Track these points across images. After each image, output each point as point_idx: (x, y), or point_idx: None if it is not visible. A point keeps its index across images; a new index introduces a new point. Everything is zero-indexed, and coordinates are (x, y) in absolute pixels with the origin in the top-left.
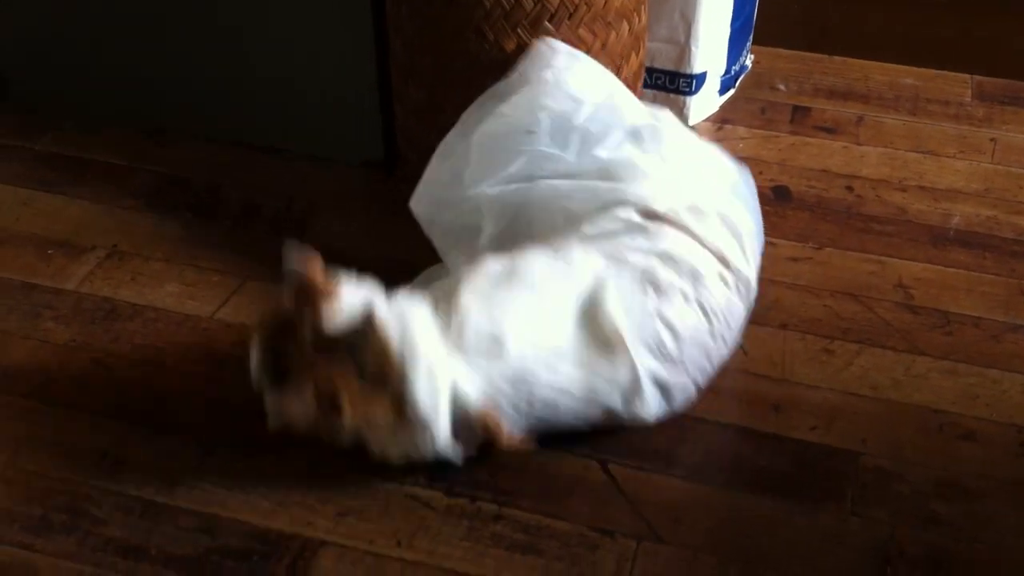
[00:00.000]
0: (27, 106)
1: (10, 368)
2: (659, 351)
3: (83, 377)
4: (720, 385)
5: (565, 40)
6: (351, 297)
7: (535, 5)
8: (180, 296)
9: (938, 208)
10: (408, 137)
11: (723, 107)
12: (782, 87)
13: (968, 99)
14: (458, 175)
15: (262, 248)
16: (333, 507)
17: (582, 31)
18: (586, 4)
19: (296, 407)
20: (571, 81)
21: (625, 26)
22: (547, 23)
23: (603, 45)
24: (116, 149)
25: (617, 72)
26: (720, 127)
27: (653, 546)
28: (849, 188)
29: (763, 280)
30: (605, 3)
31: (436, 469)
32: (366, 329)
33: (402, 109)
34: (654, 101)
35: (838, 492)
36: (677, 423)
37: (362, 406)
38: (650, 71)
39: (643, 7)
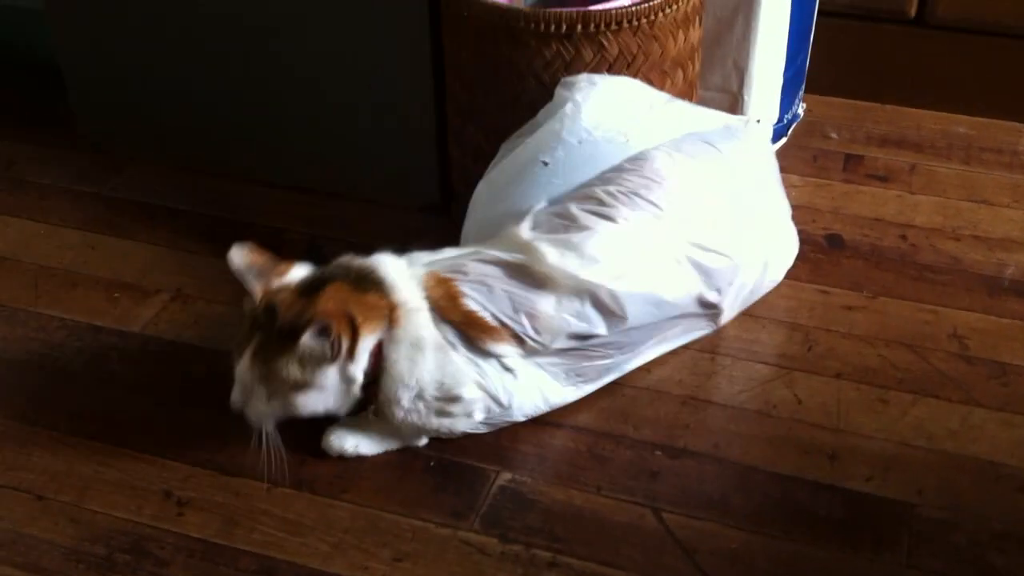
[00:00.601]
0: (95, 148)
1: (78, 409)
2: None
3: (148, 419)
4: (774, 434)
5: None
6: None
7: (594, 56)
8: None
9: (993, 258)
10: (465, 178)
11: (776, 155)
12: (834, 135)
13: (1022, 147)
14: (494, 209)
15: None
16: (389, 551)
17: (639, 80)
18: (643, 54)
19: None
20: (587, 114)
21: (680, 74)
22: (605, 72)
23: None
24: (182, 193)
25: None
26: None
27: None
28: (903, 237)
29: (817, 329)
30: (662, 53)
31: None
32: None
33: (459, 151)
34: None
35: (894, 542)
36: (733, 471)
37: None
38: None
39: (696, 56)
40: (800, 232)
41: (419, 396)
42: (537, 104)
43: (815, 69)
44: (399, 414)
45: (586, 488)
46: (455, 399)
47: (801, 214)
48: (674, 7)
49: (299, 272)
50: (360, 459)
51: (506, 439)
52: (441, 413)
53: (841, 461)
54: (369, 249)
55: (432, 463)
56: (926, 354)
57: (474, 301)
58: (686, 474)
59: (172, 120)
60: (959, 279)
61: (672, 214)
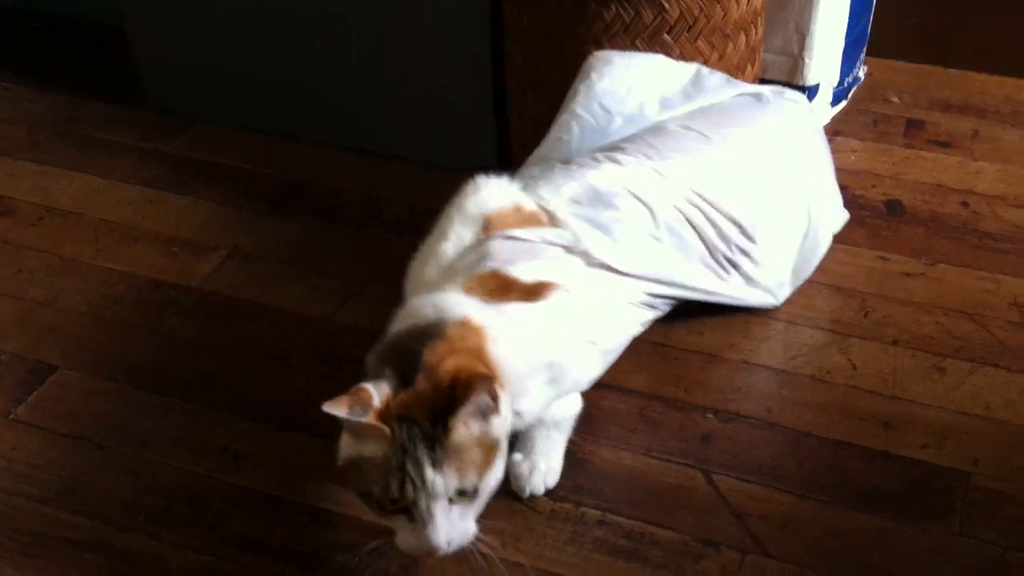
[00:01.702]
0: (161, 110)
1: (137, 363)
2: None
3: (207, 374)
4: (828, 400)
5: (683, 53)
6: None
7: (654, 18)
8: (302, 298)
9: None
10: (524, 145)
11: (835, 119)
12: (895, 100)
13: None
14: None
15: (382, 252)
16: None
17: (700, 43)
18: (705, 16)
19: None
20: (601, 91)
21: (742, 38)
22: (666, 35)
23: (720, 56)
24: (243, 153)
25: None
26: (832, 138)
27: (759, 559)
28: (964, 204)
29: (874, 295)
30: (724, 15)
31: None
32: None
33: (519, 119)
34: None
35: (947, 511)
36: (785, 437)
37: None
38: (763, 82)
39: (759, 19)
40: (859, 198)
41: (548, 382)
42: None
43: (878, 32)
44: (541, 410)
45: (636, 450)
46: (563, 368)
47: (860, 179)
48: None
49: (380, 388)
50: None
51: None
52: (564, 381)
53: (895, 429)
54: (427, 212)
55: None
56: (985, 323)
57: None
58: (737, 438)
59: (235, 83)
60: (1021, 248)
61: (678, 172)
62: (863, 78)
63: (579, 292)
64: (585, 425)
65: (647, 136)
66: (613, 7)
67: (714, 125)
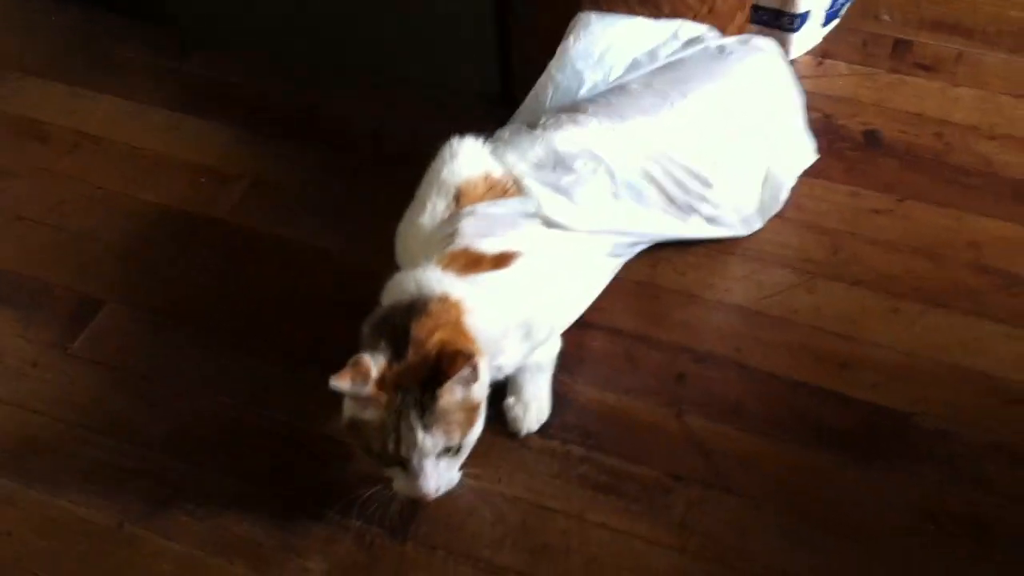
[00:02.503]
0: (172, 21)
1: (174, 298)
2: None
3: (237, 309)
4: (793, 340)
5: (674, 7)
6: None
7: None
8: (318, 232)
9: (1023, 160)
10: (528, 64)
11: (826, 38)
12: (886, 17)
13: None
14: None
15: (390, 181)
16: None
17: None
18: None
19: None
20: (576, 54)
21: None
22: None
23: (710, 10)
24: (255, 76)
25: (723, 30)
26: (821, 62)
27: (720, 495)
28: (939, 135)
29: (844, 233)
30: None
31: None
32: None
33: (520, 36)
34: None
35: (893, 450)
36: (750, 377)
37: None
38: (755, 8)
39: None
40: (840, 128)
41: (522, 338)
42: None
43: None
44: (520, 362)
45: (618, 389)
46: (535, 324)
47: (844, 107)
48: None
49: (377, 360)
50: None
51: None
52: (537, 335)
53: (851, 369)
54: (433, 139)
55: None
56: (943, 262)
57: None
58: (709, 378)
59: (247, 5)
60: (988, 183)
61: (637, 130)
62: None
63: (543, 254)
64: (576, 364)
65: (609, 96)
66: None
67: (674, 82)
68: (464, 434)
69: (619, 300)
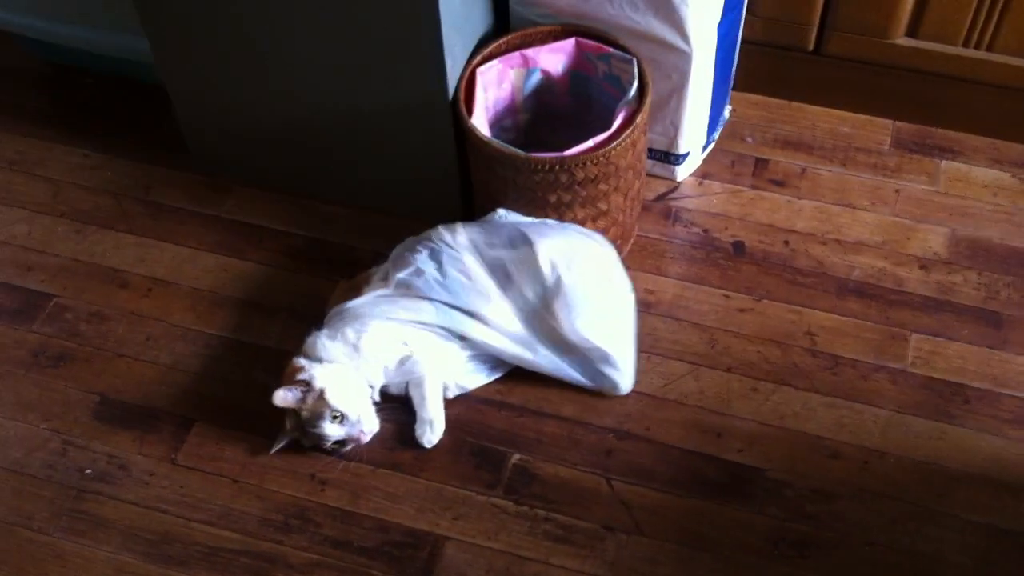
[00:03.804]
0: (207, 172)
1: (245, 413)
2: None
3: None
4: (685, 418)
5: (588, 194)
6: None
7: (568, 177)
8: None
9: (845, 260)
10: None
11: (705, 160)
12: (749, 139)
13: (887, 147)
14: None
15: None
16: (451, 512)
17: (602, 186)
18: (603, 174)
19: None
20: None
21: (636, 183)
22: (576, 186)
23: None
24: (279, 215)
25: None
26: (701, 182)
27: (638, 538)
28: (786, 242)
29: (719, 329)
30: (617, 167)
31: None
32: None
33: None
34: (652, 168)
35: (751, 497)
36: (656, 448)
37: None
38: (650, 150)
39: (642, 163)
40: (715, 240)
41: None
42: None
43: (740, 69)
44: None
45: (567, 463)
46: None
47: (717, 221)
48: (628, 153)
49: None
50: (432, 447)
51: (518, 427)
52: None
53: (724, 438)
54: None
55: (473, 448)
56: (787, 350)
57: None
58: (628, 451)
59: (263, 148)
60: (819, 281)
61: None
62: (728, 116)
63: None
64: (536, 445)
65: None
66: (539, 171)
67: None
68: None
69: (564, 392)
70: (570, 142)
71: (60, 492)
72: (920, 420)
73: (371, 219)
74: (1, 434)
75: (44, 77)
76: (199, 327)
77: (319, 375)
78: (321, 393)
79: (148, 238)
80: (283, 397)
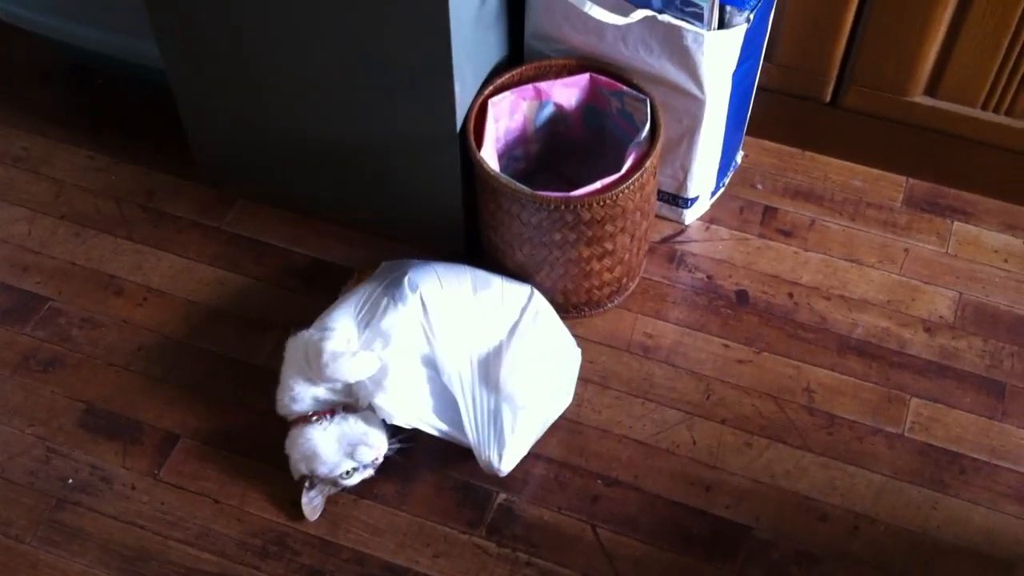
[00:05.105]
0: (211, 183)
1: (233, 431)
2: None
3: (279, 438)
4: (674, 469)
5: (594, 234)
6: None
7: (574, 217)
8: None
9: (849, 317)
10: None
11: (713, 205)
12: (759, 186)
13: (898, 204)
14: None
15: None
16: (431, 550)
17: (609, 227)
18: (610, 216)
19: None
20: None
21: (644, 224)
22: (582, 226)
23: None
24: (278, 231)
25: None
26: (708, 227)
27: None
28: (790, 295)
29: (716, 380)
30: (624, 209)
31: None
32: None
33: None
34: (660, 210)
35: (734, 555)
36: (644, 498)
37: None
38: (659, 191)
39: (650, 205)
40: (719, 287)
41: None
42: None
43: (754, 115)
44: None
45: (551, 507)
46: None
47: (722, 268)
48: (637, 196)
49: None
50: (414, 478)
51: None
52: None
53: (712, 491)
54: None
55: (457, 483)
56: (783, 405)
57: None
58: (615, 499)
59: (269, 164)
60: (821, 337)
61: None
62: (740, 162)
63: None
64: (522, 486)
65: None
66: (544, 208)
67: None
68: None
69: (552, 433)
70: (582, 172)
71: (40, 500)
72: (914, 488)
73: (373, 242)
74: None
75: (56, 75)
76: (191, 340)
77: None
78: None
79: (147, 246)
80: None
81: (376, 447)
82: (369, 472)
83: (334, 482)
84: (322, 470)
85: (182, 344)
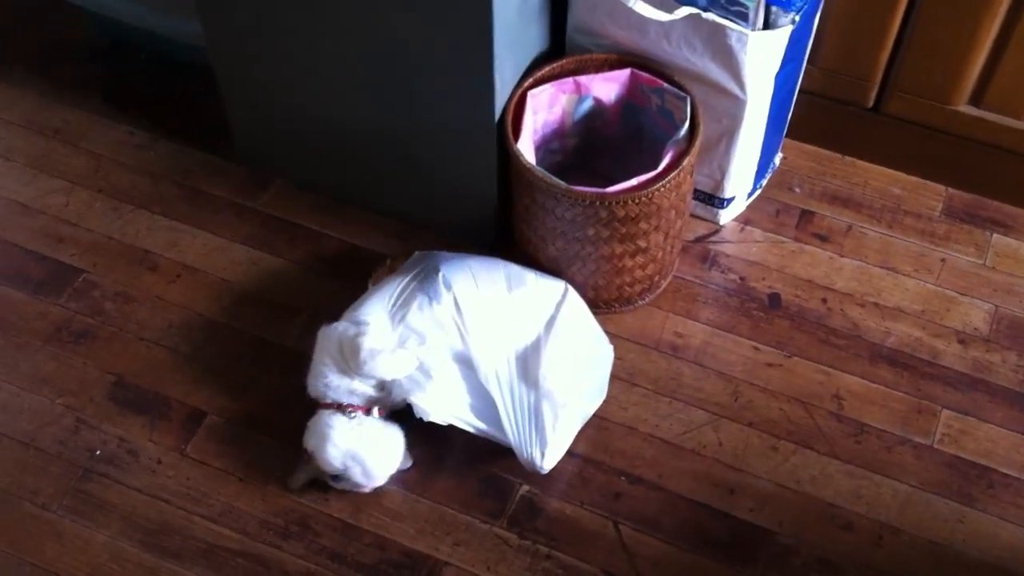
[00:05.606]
0: (248, 163)
1: (259, 413)
2: None
3: (301, 421)
4: (699, 469)
5: (628, 232)
6: None
7: (608, 214)
8: None
9: (882, 326)
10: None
11: (749, 206)
12: (797, 190)
13: (937, 214)
14: None
15: None
16: (451, 538)
17: (643, 224)
18: (644, 213)
19: None
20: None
21: (678, 223)
22: (616, 223)
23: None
24: (312, 214)
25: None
26: (743, 228)
27: None
28: (824, 300)
29: (744, 382)
30: (659, 207)
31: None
32: None
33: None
34: (695, 209)
35: (755, 559)
36: (667, 497)
37: None
38: (695, 190)
39: (686, 204)
40: (751, 290)
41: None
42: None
43: (795, 118)
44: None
45: (574, 502)
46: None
47: (755, 271)
48: (672, 194)
49: None
50: (437, 466)
51: None
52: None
53: (736, 494)
54: None
55: (481, 474)
56: (812, 411)
57: None
58: (638, 497)
59: (307, 148)
60: (853, 344)
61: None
62: (778, 163)
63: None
64: (545, 480)
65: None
66: (578, 203)
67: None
68: None
69: (582, 429)
70: (616, 169)
71: (68, 470)
72: (941, 500)
73: (406, 231)
74: (15, 404)
75: (98, 50)
76: (222, 319)
77: None
78: None
79: (182, 223)
80: None
81: (366, 479)
82: (354, 487)
83: (323, 472)
84: (317, 455)
85: (212, 323)
